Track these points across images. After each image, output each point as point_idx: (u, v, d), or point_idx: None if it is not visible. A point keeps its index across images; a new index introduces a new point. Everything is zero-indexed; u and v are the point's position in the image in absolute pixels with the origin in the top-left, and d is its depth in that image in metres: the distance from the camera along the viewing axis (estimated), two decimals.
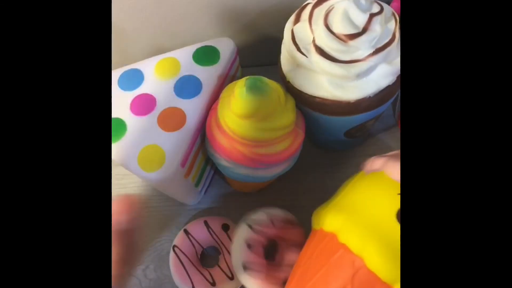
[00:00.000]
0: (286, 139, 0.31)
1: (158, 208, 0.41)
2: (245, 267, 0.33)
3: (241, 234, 0.35)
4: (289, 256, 0.34)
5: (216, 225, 0.38)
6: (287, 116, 0.30)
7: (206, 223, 0.38)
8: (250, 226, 0.35)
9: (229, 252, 0.36)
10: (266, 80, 0.29)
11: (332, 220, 0.27)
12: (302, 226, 0.36)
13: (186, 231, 0.37)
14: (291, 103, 0.31)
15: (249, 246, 0.34)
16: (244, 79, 0.29)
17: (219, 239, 0.37)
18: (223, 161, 0.32)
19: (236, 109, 0.29)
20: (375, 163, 0.29)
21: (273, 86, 0.30)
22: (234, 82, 0.32)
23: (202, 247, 0.37)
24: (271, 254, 0.35)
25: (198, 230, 0.37)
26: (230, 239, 0.37)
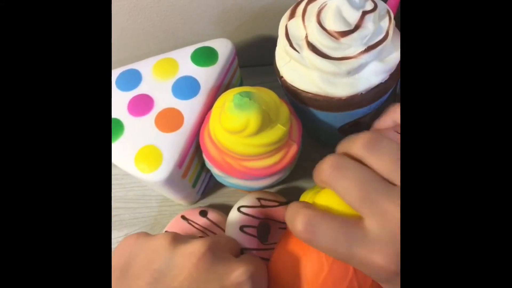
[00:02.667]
0: (276, 153, 0.30)
1: (158, 208, 0.41)
2: (243, 253, 0.34)
3: (233, 219, 0.35)
4: (280, 235, 0.35)
5: (193, 215, 0.38)
6: (277, 132, 0.29)
7: (183, 217, 0.38)
8: (239, 210, 0.35)
9: (214, 233, 0.37)
10: (255, 96, 0.28)
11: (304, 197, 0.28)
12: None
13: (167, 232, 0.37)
14: (284, 116, 0.30)
15: (242, 230, 0.34)
16: (233, 93, 0.28)
17: (201, 226, 0.37)
18: (215, 170, 0.33)
19: (224, 123, 0.28)
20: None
21: (265, 100, 0.28)
22: (227, 92, 0.32)
23: None
24: (263, 235, 0.36)
25: (178, 226, 0.37)
26: (211, 221, 0.37)
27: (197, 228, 0.37)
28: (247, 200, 0.36)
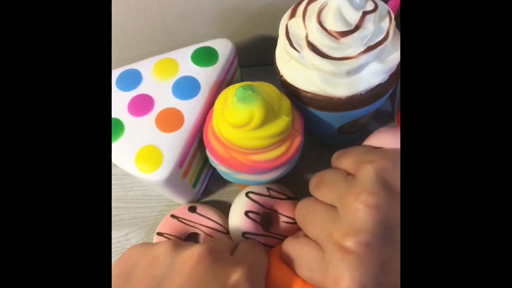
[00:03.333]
0: (282, 144, 0.30)
1: (158, 208, 0.41)
2: (245, 236, 0.34)
3: (240, 203, 0.36)
4: (282, 227, 0.36)
5: (182, 212, 0.38)
6: (281, 123, 0.29)
7: (173, 216, 0.38)
8: (247, 196, 0.36)
9: (207, 227, 0.37)
10: (257, 88, 0.28)
11: None
12: (296, 200, 0.37)
13: (159, 234, 0.37)
14: (286, 108, 0.30)
15: (247, 215, 0.35)
16: (235, 88, 0.29)
17: (191, 221, 0.37)
18: (221, 167, 0.33)
19: (228, 118, 0.29)
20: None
21: (267, 92, 0.29)
22: (228, 88, 0.32)
23: (181, 239, 0.38)
24: (266, 225, 0.36)
25: (169, 225, 0.38)
26: (202, 215, 0.38)
27: (188, 225, 0.37)
28: (257, 188, 0.36)
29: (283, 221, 0.36)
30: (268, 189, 0.36)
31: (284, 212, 0.36)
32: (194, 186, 0.37)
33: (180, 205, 0.41)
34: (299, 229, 0.31)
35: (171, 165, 0.32)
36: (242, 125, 0.28)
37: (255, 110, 0.27)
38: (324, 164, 0.32)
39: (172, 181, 0.32)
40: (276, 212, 0.36)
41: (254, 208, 0.35)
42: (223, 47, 0.36)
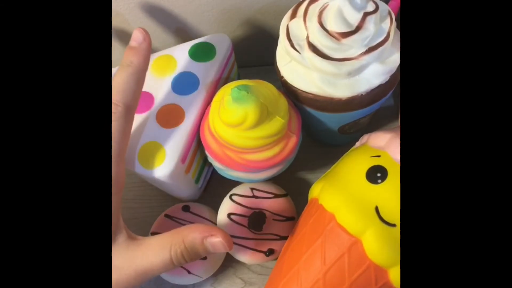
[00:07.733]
0: (276, 145, 0.30)
1: (158, 208, 0.41)
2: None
3: (224, 207, 0.36)
4: (274, 226, 0.35)
5: (176, 212, 0.38)
6: (275, 124, 0.29)
7: (166, 215, 0.38)
8: (231, 198, 0.36)
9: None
10: (253, 89, 0.28)
11: (316, 187, 0.31)
12: (288, 197, 0.37)
13: (154, 233, 0.37)
14: (283, 108, 0.30)
15: (230, 218, 0.35)
16: (231, 87, 0.29)
17: (185, 221, 0.37)
18: (216, 163, 0.33)
19: (222, 117, 0.29)
20: (379, 139, 0.29)
21: (262, 93, 0.29)
22: (226, 86, 0.32)
23: None
24: (258, 224, 0.36)
25: (164, 225, 0.38)
26: (195, 214, 0.38)
27: (182, 224, 0.37)
28: (240, 189, 0.36)
29: (274, 219, 0.36)
30: (252, 189, 0.36)
31: (274, 210, 0.36)
32: (197, 181, 0.38)
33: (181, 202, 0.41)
34: (292, 226, 0.32)
35: (174, 160, 0.32)
36: (236, 125, 0.28)
37: (249, 112, 0.27)
38: (322, 163, 0.32)
39: (175, 176, 0.33)
40: (266, 211, 0.36)
41: (238, 210, 0.35)
42: (220, 42, 0.37)
